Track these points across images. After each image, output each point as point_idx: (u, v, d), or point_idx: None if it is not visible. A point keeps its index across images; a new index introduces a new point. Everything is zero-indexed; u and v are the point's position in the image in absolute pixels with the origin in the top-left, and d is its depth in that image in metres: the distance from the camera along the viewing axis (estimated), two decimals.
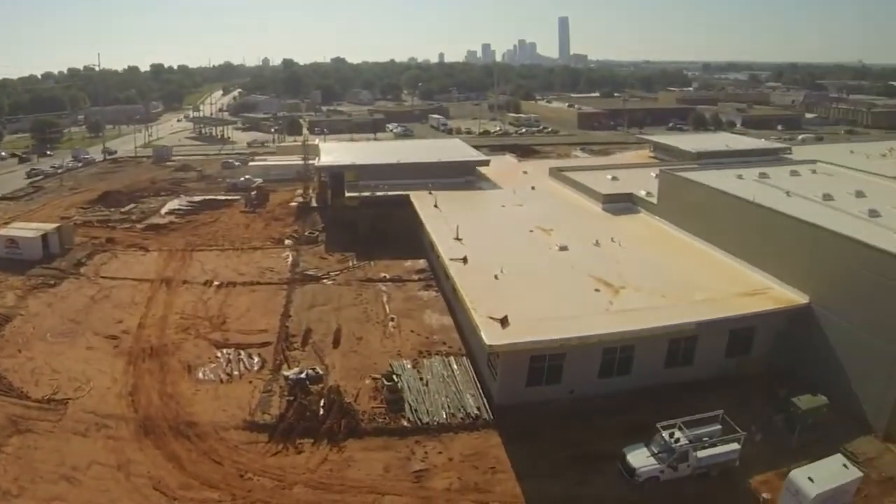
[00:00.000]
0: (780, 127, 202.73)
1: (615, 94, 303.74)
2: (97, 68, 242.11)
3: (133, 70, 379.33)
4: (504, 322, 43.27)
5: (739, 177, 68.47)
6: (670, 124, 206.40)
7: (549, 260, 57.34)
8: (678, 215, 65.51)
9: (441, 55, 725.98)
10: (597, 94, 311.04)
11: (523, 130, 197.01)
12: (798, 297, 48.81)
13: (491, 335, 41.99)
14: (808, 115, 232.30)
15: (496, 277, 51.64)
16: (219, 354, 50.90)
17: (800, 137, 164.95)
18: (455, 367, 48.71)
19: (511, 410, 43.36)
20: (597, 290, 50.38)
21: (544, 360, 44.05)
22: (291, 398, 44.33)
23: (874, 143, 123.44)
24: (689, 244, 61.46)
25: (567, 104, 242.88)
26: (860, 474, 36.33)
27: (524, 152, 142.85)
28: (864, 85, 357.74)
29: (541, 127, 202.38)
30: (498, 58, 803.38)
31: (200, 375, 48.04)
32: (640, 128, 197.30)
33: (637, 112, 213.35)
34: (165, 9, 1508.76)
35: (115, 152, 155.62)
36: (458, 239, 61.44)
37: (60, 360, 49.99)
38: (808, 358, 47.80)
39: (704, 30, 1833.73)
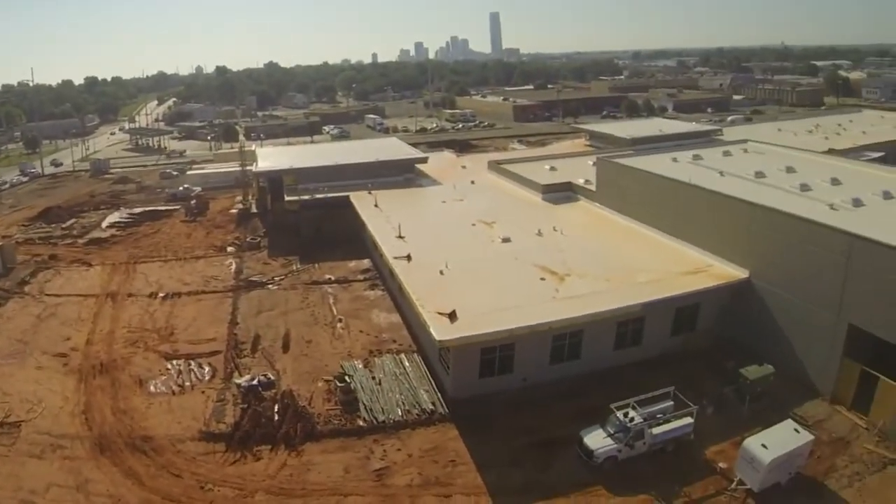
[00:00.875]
0: (709, 110, 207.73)
1: (549, 86, 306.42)
2: (31, 83, 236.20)
3: (67, 84, 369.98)
4: (452, 317, 43.56)
5: (674, 160, 70.10)
6: (604, 112, 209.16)
7: (492, 252, 57.83)
8: (617, 201, 66.67)
9: (374, 55, 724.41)
10: (531, 87, 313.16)
11: (460, 126, 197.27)
12: (739, 273, 50.49)
13: (440, 330, 42.23)
14: (736, 97, 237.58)
15: (441, 273, 51.92)
16: (169, 366, 50.07)
17: (729, 118, 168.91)
18: (407, 364, 48.84)
19: (466, 403, 43.74)
20: (542, 279, 51.03)
21: (495, 351, 44.50)
22: (245, 406, 43.93)
23: (800, 121, 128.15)
24: (630, 228, 62.63)
25: (502, 98, 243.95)
26: (811, 437, 37.56)
27: (462, 147, 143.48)
28: (788, 66, 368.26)
29: (477, 122, 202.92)
30: (431, 55, 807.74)
31: (152, 389, 47.21)
32: (575, 117, 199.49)
33: (571, 102, 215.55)
34: (98, 21, 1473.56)
35: (61, 164, 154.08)
36: (400, 237, 61.49)
37: (10, 381, 48.67)
38: (751, 330, 49.41)
39: (634, 19, 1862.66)
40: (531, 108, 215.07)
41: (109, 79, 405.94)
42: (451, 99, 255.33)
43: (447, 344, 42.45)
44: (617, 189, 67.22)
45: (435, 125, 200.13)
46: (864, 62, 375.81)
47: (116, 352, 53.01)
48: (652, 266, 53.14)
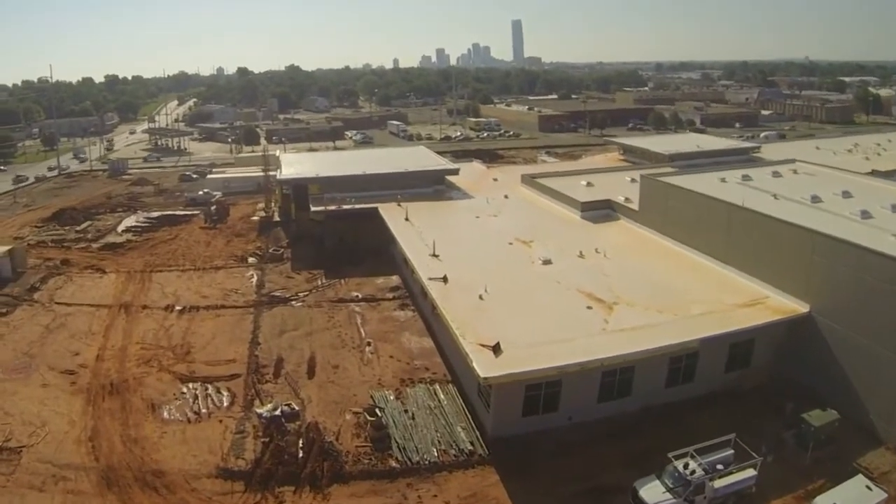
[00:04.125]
0: (738, 125, 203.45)
1: (573, 96, 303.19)
2: (50, 80, 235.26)
3: (87, 81, 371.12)
4: (496, 349, 39.95)
5: (723, 180, 66.17)
6: (630, 125, 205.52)
7: (533, 275, 54.27)
8: (662, 222, 62.90)
9: (395, 61, 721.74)
10: (554, 97, 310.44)
11: (485, 135, 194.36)
12: (798, 307, 46.66)
13: (484, 366, 38.58)
14: (764, 112, 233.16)
15: (480, 298, 48.41)
16: (184, 390, 46.59)
17: (762, 135, 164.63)
18: (441, 396, 45.17)
19: (507, 443, 40.10)
20: (589, 308, 47.41)
21: (541, 387, 40.79)
22: (267, 439, 40.29)
23: (837, 139, 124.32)
24: (677, 252, 58.87)
25: (527, 107, 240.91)
26: (885, 495, 34.39)
27: (489, 157, 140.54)
28: (814, 81, 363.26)
29: (502, 131, 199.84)
30: (452, 62, 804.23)
31: (166, 415, 43.72)
32: (602, 129, 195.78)
33: (597, 113, 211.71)
34: (120, 19, 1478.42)
35: (86, 158, 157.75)
36: (434, 255, 57.97)
37: (13, 400, 45.36)
38: (810, 368, 45.71)
39: (656, 31, 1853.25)
40: (557, 119, 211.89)
41: (130, 77, 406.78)
42: (474, 107, 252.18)
43: (492, 381, 38.67)
44: (662, 209, 63.41)
45: (459, 133, 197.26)
46: (893, 79, 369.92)
47: (128, 371, 49.59)
48: (704, 296, 49.41)
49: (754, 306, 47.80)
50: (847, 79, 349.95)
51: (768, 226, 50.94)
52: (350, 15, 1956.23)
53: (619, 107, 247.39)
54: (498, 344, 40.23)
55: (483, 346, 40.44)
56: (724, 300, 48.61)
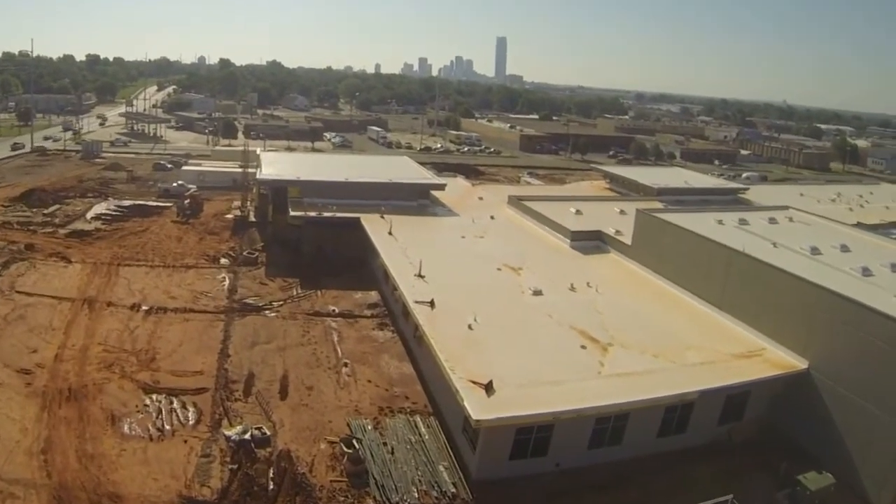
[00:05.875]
0: (717, 161, 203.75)
1: (554, 118, 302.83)
2: (31, 54, 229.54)
3: (68, 59, 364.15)
4: (489, 388, 37.40)
5: (720, 222, 64.42)
6: (611, 152, 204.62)
7: (524, 306, 51.77)
8: (656, 260, 60.87)
9: (378, 66, 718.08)
10: (535, 117, 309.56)
11: (465, 149, 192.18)
12: (796, 362, 44.90)
13: (477, 407, 35.91)
14: (743, 152, 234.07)
15: (470, 327, 45.81)
16: (147, 402, 42.83)
17: (744, 175, 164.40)
18: (423, 429, 42.21)
19: (491, 487, 37.38)
20: (583, 347, 45.09)
21: (532, 431, 38.19)
22: (235, 466, 36.88)
23: (820, 187, 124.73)
24: (670, 293, 56.85)
25: (508, 125, 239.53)
26: None
27: (469, 172, 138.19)
28: (791, 125, 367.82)
29: (483, 147, 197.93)
30: (434, 72, 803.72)
31: (126, 429, 40.00)
32: (583, 153, 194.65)
33: (580, 138, 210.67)
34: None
35: (79, 130, 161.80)
36: (420, 276, 55.26)
37: None
38: (804, 425, 44.06)
39: (638, 60, 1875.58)
40: (538, 139, 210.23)
41: (111, 59, 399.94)
42: (455, 119, 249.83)
43: (484, 424, 35.97)
44: (657, 247, 61.41)
45: (440, 145, 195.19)
46: (868, 130, 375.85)
47: (88, 375, 45.56)
48: (700, 342, 47.44)
49: (751, 358, 45.90)
50: (823, 126, 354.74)
51: (770, 275, 49.15)
52: (335, 16, 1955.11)
53: (601, 133, 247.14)
54: (490, 382, 37.69)
55: (474, 383, 37.87)
56: (721, 349, 46.67)
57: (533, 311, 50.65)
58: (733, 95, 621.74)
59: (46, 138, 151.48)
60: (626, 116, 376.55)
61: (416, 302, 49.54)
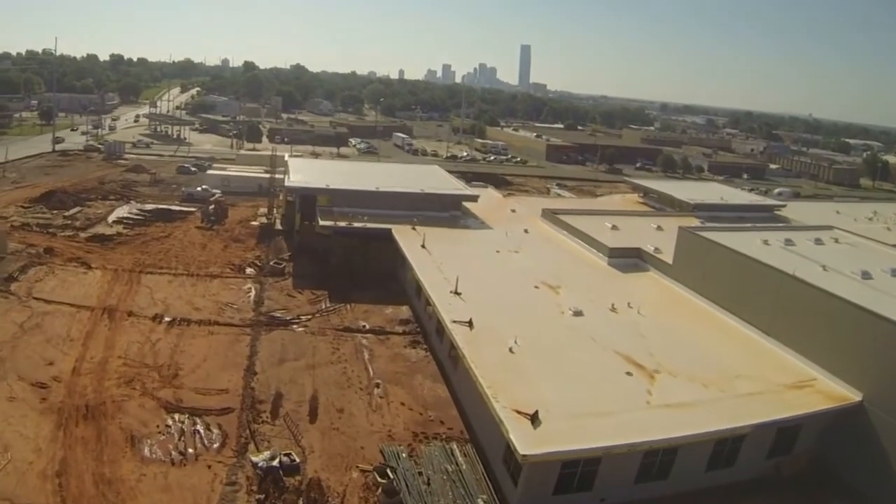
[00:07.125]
0: (745, 175, 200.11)
1: (579, 127, 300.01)
2: (55, 52, 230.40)
3: (92, 58, 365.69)
4: (534, 419, 35.09)
5: (765, 242, 61.74)
6: (638, 164, 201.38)
7: (565, 328, 49.39)
8: (699, 281, 58.21)
9: (401, 72, 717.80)
10: (560, 126, 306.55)
11: (491, 158, 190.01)
12: (850, 394, 42.16)
13: (523, 441, 33.56)
14: (772, 166, 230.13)
15: (511, 351, 43.50)
16: (169, 422, 40.68)
17: (776, 191, 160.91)
18: (460, 458, 39.79)
19: None
20: (629, 374, 42.66)
21: (578, 465, 35.80)
22: (262, 496, 34.63)
23: (855, 204, 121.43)
24: (715, 316, 54.18)
25: (534, 134, 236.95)
26: None
27: (497, 182, 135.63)
28: (818, 139, 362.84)
29: (509, 156, 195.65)
30: (458, 79, 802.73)
31: (146, 452, 37.82)
32: (610, 164, 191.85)
33: (607, 148, 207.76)
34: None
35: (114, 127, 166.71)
36: (456, 293, 53.08)
37: None
38: (855, 462, 41.42)
39: (664, 71, 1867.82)
40: (565, 149, 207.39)
41: (135, 59, 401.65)
42: (480, 127, 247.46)
43: (531, 459, 33.62)
44: (700, 267, 58.78)
45: (466, 154, 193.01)
46: None
47: (107, 391, 43.36)
48: (750, 371, 44.77)
49: (802, 388, 43.22)
50: (851, 141, 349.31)
51: (823, 301, 46.38)
52: (359, 21, 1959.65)
53: (628, 144, 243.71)
54: (536, 412, 35.37)
55: (519, 412, 35.56)
56: (770, 378, 44.04)
57: (574, 334, 48.28)
58: (758, 108, 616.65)
59: (83, 133, 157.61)
60: (652, 127, 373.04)
61: (454, 322, 47.25)
